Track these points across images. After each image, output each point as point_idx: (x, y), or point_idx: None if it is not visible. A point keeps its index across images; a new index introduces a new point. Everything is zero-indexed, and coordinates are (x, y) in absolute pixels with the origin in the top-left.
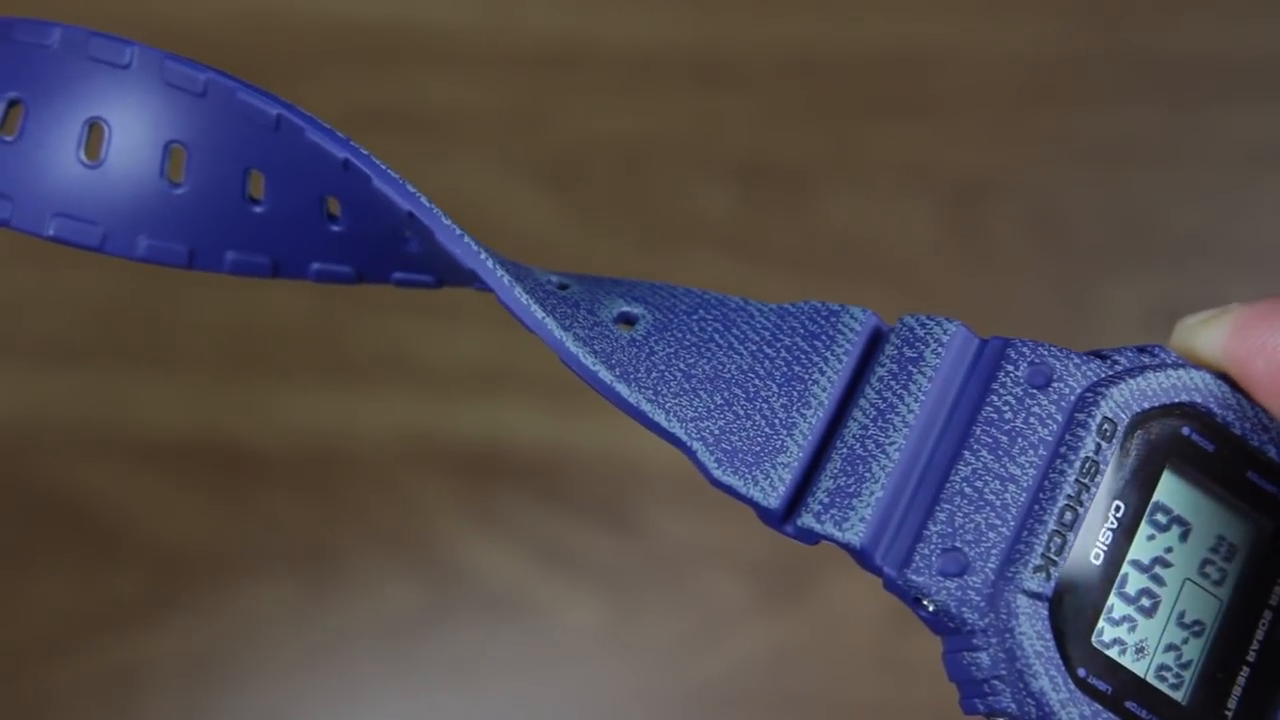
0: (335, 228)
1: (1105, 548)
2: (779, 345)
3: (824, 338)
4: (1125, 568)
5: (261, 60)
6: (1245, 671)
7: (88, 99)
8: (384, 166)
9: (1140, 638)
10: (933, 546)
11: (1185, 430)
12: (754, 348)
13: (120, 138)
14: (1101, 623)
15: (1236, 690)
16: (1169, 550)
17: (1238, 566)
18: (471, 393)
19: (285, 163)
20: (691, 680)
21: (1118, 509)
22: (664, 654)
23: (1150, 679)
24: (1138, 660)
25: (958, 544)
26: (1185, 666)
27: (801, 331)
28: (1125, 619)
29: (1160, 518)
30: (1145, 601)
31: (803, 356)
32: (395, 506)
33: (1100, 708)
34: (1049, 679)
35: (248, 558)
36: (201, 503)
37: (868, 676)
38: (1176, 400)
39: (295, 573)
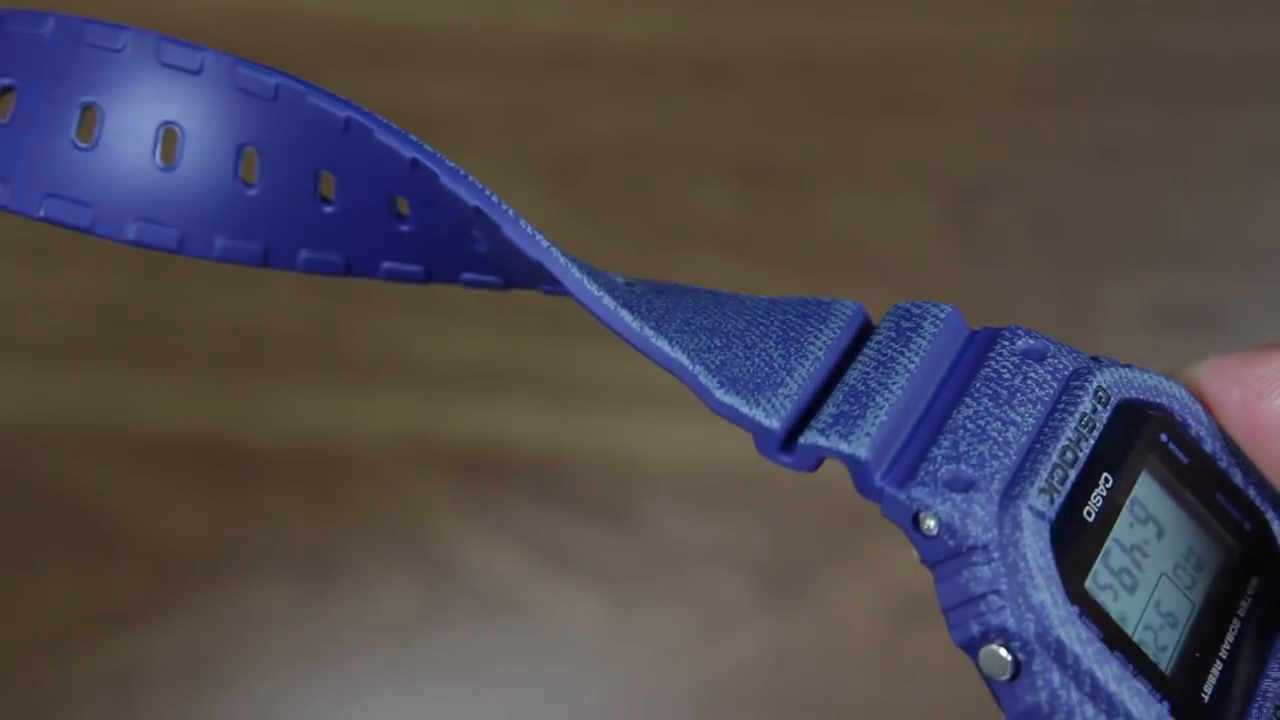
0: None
1: (1097, 510)
2: (772, 319)
3: (816, 318)
4: (1110, 542)
5: (262, 60)
6: (1218, 666)
7: (83, 84)
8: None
9: (1122, 609)
10: (937, 465)
11: (1163, 436)
12: (748, 318)
13: (113, 121)
14: (1089, 582)
15: (1211, 679)
16: (1147, 542)
17: (1206, 578)
18: (471, 393)
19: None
20: (691, 679)
21: (1106, 480)
22: (664, 653)
23: (1136, 639)
24: (1121, 625)
25: (962, 466)
26: (1163, 649)
27: (794, 314)
28: (1108, 586)
29: (1139, 511)
30: (1126, 579)
31: (797, 325)
32: (395, 506)
33: (1095, 637)
34: (1050, 594)
35: (246, 557)
36: (200, 503)
37: (868, 676)
38: (1158, 400)
39: (294, 572)
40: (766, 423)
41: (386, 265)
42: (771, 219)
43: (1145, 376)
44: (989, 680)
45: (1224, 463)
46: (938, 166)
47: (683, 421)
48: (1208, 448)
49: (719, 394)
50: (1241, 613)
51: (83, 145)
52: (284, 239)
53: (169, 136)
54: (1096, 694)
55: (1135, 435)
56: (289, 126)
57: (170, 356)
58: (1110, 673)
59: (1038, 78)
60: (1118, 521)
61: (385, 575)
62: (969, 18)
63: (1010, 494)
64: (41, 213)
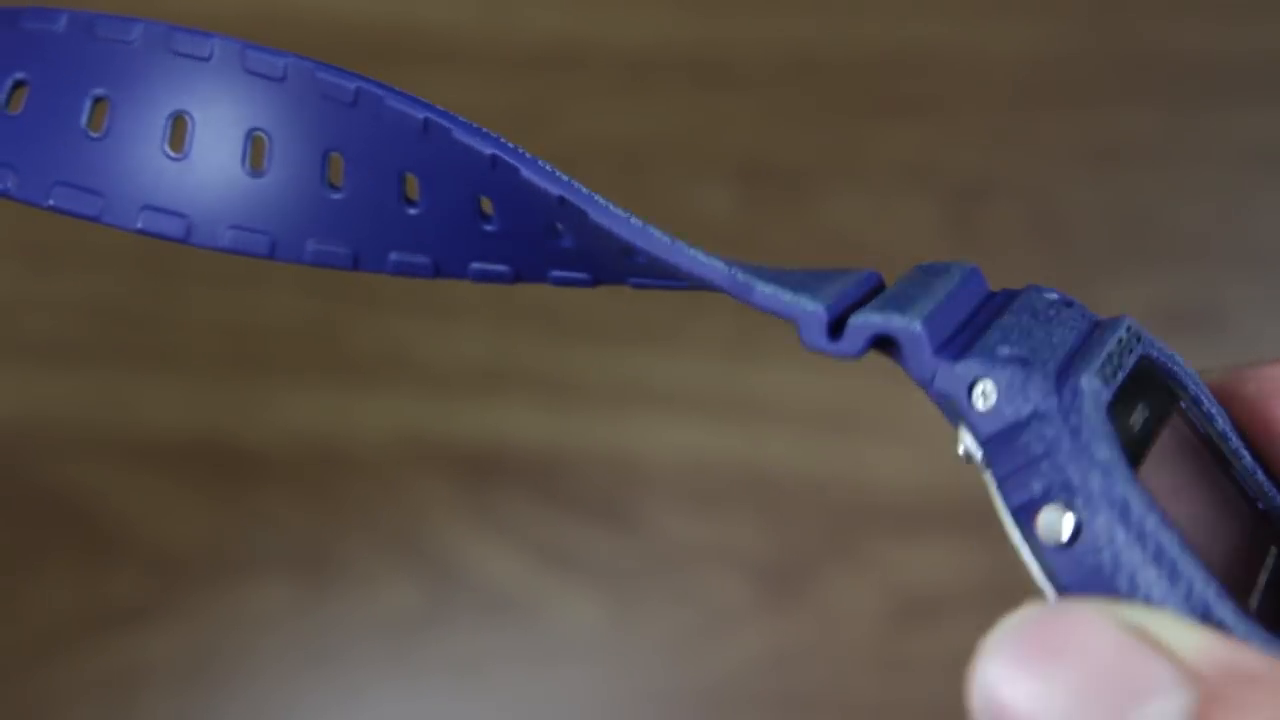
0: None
1: (1140, 423)
2: (792, 271)
3: (834, 273)
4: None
5: None
6: (1257, 596)
7: (95, 76)
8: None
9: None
10: (991, 343)
11: (1181, 403)
12: (768, 269)
13: (124, 111)
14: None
15: (1254, 601)
16: (1178, 484)
17: (1228, 537)
18: (471, 393)
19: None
20: (691, 679)
21: (1143, 409)
22: (664, 653)
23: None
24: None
25: (1015, 349)
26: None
27: (811, 271)
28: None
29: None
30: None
31: (816, 274)
32: (395, 506)
33: (1156, 506)
34: (1114, 454)
35: (247, 558)
36: (201, 503)
37: (869, 676)
38: (1173, 368)
39: (293, 572)
40: (810, 308)
41: (394, 257)
42: (771, 219)
43: (1164, 344)
44: (1042, 550)
45: (1234, 443)
46: (938, 166)
47: (683, 421)
48: (1218, 425)
49: (760, 286)
50: (1266, 569)
51: (94, 135)
52: (291, 228)
53: (179, 125)
54: (1160, 558)
55: (1159, 387)
56: (297, 106)
57: (170, 356)
58: (1172, 540)
59: (1037, 78)
60: (1152, 450)
61: (385, 574)
62: (969, 18)
63: (1068, 371)
64: (50, 201)
